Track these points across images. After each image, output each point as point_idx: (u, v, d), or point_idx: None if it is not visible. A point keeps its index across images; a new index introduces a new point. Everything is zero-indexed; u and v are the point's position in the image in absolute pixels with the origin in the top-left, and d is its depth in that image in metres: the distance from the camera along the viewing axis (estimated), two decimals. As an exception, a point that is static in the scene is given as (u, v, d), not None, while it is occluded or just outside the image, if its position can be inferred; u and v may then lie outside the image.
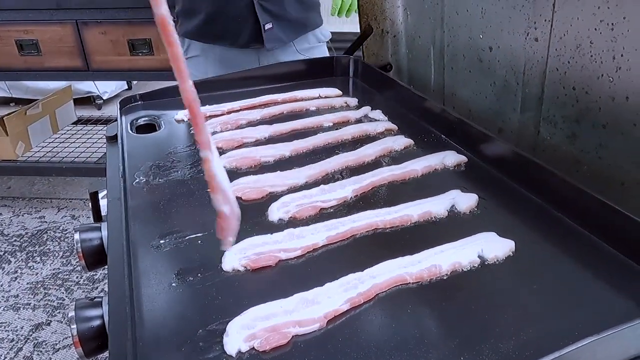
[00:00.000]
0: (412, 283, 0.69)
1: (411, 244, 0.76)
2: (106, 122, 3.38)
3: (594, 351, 0.53)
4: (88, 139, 3.19)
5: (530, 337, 0.60)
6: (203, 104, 1.31)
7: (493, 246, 0.74)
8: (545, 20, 1.00)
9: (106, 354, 0.67)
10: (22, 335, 2.02)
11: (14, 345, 1.98)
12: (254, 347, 0.59)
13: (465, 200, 0.85)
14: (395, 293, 0.68)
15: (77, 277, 2.33)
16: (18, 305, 2.16)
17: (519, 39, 1.08)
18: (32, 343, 1.99)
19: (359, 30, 1.57)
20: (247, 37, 1.54)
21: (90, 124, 3.38)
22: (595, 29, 0.90)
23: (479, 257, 0.73)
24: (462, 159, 1.01)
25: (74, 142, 3.03)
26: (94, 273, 2.32)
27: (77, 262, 2.36)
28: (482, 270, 0.72)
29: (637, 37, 0.83)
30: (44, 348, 1.95)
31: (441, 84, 1.42)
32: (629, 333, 0.54)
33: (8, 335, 2.02)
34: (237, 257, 0.72)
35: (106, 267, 0.83)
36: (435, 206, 0.84)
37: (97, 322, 0.72)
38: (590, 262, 0.72)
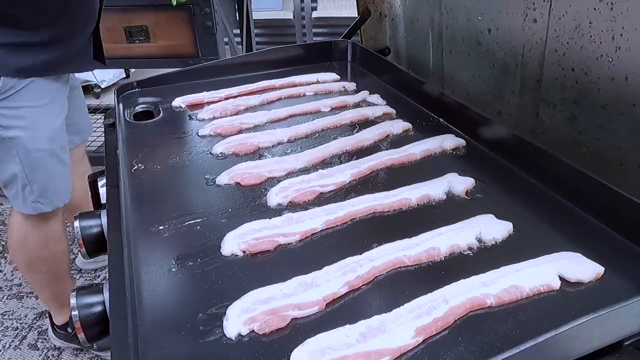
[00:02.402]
0: (411, 266, 0.70)
1: (410, 227, 0.76)
2: (105, 110, 3.37)
3: (590, 330, 0.53)
4: (87, 127, 3.16)
5: (528, 317, 0.61)
6: (200, 90, 1.32)
7: (491, 228, 0.74)
8: (544, 1, 0.99)
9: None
10: (26, 324, 2.04)
11: (18, 333, 1.99)
12: (253, 330, 0.60)
13: (460, 183, 0.85)
14: (394, 275, 0.68)
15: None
16: (22, 294, 2.17)
17: (518, 20, 1.07)
18: (37, 331, 2.00)
19: (356, 14, 1.55)
20: (87, 61, 1.51)
21: (88, 112, 3.36)
22: (595, 9, 0.89)
23: (477, 239, 0.73)
24: (461, 142, 1.00)
25: (72, 131, 3.01)
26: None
27: (78, 250, 2.37)
28: (480, 252, 0.72)
29: (636, 16, 0.82)
30: (48, 336, 1.97)
31: (440, 67, 1.41)
32: (624, 312, 0.54)
33: (12, 323, 2.04)
34: (236, 241, 0.73)
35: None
36: (434, 189, 0.84)
37: (98, 308, 0.73)
38: (588, 243, 0.72)
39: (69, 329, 1.87)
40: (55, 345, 1.93)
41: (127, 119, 1.15)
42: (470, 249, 0.72)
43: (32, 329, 2.02)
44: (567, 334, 0.51)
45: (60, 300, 1.84)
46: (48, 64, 1.36)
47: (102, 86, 3.91)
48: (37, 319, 2.05)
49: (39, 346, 1.94)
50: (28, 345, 1.95)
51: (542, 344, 0.50)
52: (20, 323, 2.05)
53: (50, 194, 1.51)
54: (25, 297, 2.17)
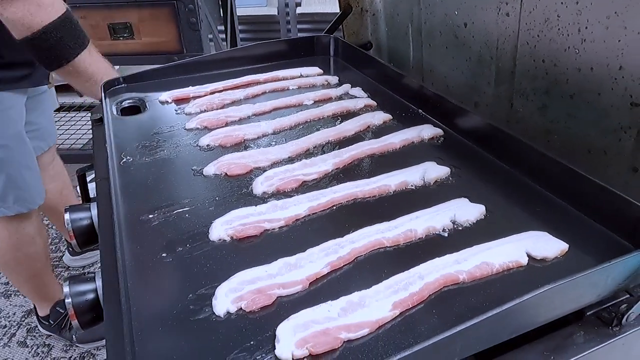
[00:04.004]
0: (389, 247, 0.74)
1: (389, 212, 0.81)
2: (89, 108, 3.35)
3: (551, 298, 0.58)
4: (72, 125, 3.17)
5: (497, 290, 0.65)
6: (186, 85, 1.34)
7: (465, 211, 0.79)
8: (515, -5, 1.04)
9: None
10: (14, 321, 2.04)
11: (7, 331, 2.00)
12: (241, 308, 0.63)
13: (436, 171, 0.90)
14: (374, 256, 0.72)
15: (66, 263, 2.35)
16: (9, 292, 2.17)
17: (492, 14, 1.12)
18: (25, 328, 2.01)
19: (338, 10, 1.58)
20: (42, 76, 1.53)
21: (72, 110, 3.35)
22: (562, 3, 0.93)
23: (452, 221, 0.78)
24: (438, 131, 1.05)
25: (57, 129, 3.00)
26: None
27: (65, 248, 2.37)
28: (455, 232, 0.77)
29: (600, 9, 0.87)
30: (37, 333, 1.98)
31: (420, 61, 1.45)
32: (582, 282, 0.59)
33: (1, 321, 2.04)
34: (223, 227, 0.76)
35: (96, 253, 0.86)
36: (411, 176, 0.89)
37: (91, 296, 0.76)
38: (554, 223, 0.77)
39: (51, 321, 1.90)
40: (45, 342, 1.94)
41: (115, 114, 1.18)
42: (445, 230, 0.77)
43: (21, 326, 2.03)
44: (529, 301, 0.56)
45: (40, 295, 1.87)
46: (2, 81, 1.37)
47: (86, 84, 3.87)
48: (26, 316, 2.06)
49: (28, 343, 1.95)
50: (17, 342, 1.96)
51: (507, 311, 0.55)
52: (9, 321, 2.06)
53: (12, 200, 1.51)
54: (13, 295, 2.17)
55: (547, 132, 1.06)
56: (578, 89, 0.96)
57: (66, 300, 0.76)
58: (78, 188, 1.21)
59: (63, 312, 1.88)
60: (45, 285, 1.84)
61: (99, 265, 0.77)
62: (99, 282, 0.76)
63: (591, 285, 0.60)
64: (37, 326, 1.97)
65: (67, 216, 0.94)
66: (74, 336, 1.87)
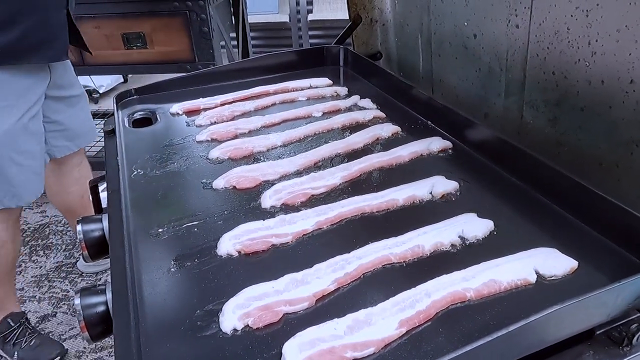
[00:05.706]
0: (397, 263, 0.74)
1: (396, 226, 0.80)
2: (103, 115, 3.40)
3: (560, 318, 0.57)
4: (86, 133, 3.20)
5: (505, 309, 0.65)
6: (197, 96, 1.36)
7: (473, 226, 0.78)
8: (525, 8, 1.03)
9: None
10: (29, 327, 2.07)
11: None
12: (247, 325, 0.64)
13: (445, 185, 0.89)
14: (381, 272, 0.72)
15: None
16: (24, 298, 2.21)
17: (501, 26, 1.11)
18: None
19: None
20: (60, 50, 1.48)
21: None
22: (572, 16, 0.93)
23: (460, 237, 0.77)
24: (447, 144, 1.05)
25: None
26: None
27: (79, 254, 2.40)
28: (463, 249, 0.76)
29: (610, 23, 0.86)
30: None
31: (429, 71, 1.45)
32: (592, 302, 0.58)
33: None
34: (231, 242, 0.77)
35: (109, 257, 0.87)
36: (420, 190, 0.88)
37: (101, 308, 0.77)
38: (564, 239, 0.76)
39: None
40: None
41: (126, 126, 1.19)
42: (453, 246, 0.76)
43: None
44: (538, 322, 0.55)
45: None
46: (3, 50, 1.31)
47: (101, 91, 3.95)
48: (40, 322, 2.08)
49: None
50: None
51: (515, 331, 0.54)
52: (24, 326, 2.08)
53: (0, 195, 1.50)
54: (27, 301, 2.20)
55: (558, 144, 1.05)
56: (589, 101, 0.95)
57: (77, 312, 0.78)
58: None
59: (13, 325, 1.85)
60: (4, 294, 1.82)
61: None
62: (109, 295, 0.77)
63: (601, 304, 0.59)
64: (49, 332, 1.99)
65: (79, 227, 0.95)
66: (16, 353, 1.83)
